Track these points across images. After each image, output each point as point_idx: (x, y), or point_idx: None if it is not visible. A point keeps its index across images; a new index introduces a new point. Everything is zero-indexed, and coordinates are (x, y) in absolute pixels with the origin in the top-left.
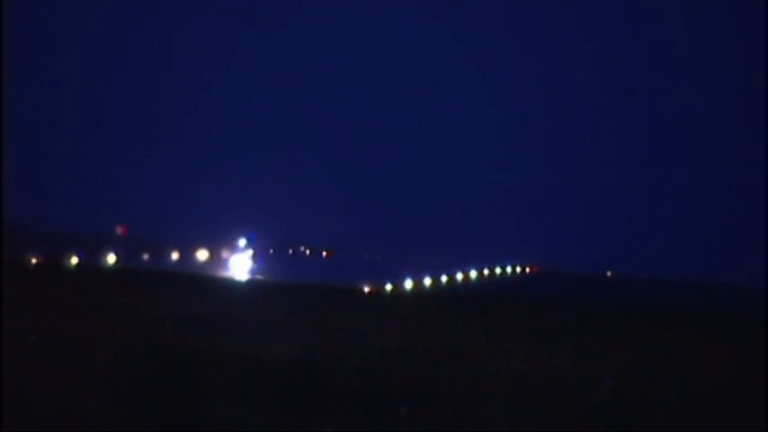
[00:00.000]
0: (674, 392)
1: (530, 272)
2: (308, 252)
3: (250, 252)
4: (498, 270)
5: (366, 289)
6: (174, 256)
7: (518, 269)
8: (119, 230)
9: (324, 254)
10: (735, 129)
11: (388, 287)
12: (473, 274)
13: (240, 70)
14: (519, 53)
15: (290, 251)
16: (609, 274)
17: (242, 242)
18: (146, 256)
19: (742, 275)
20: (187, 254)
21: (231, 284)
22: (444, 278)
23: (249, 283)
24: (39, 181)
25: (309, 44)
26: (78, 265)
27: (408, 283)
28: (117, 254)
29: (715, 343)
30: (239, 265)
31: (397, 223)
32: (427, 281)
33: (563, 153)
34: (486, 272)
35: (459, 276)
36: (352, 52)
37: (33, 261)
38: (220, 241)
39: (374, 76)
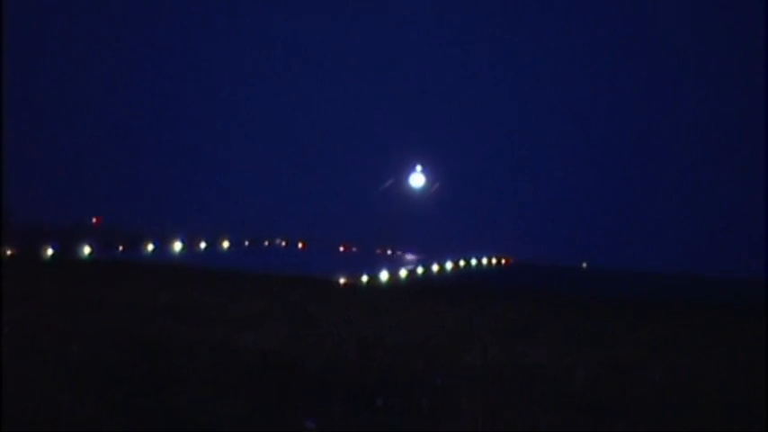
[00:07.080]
0: (653, 384)
1: (504, 263)
2: (283, 243)
3: (423, 176)
4: (473, 261)
5: (342, 280)
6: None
7: (493, 260)
8: (94, 221)
9: (299, 245)
10: (710, 109)
11: (364, 278)
12: (449, 265)
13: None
14: (504, 49)
15: (266, 243)
16: (584, 265)
17: (419, 167)
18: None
19: (722, 266)
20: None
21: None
22: (420, 269)
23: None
24: (15, 172)
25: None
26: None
27: (384, 275)
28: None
29: (695, 335)
30: (417, 181)
31: (373, 215)
32: (403, 272)
33: (537, 142)
34: (461, 263)
35: (435, 268)
36: (331, 50)
37: (9, 253)
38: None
39: (355, 69)
